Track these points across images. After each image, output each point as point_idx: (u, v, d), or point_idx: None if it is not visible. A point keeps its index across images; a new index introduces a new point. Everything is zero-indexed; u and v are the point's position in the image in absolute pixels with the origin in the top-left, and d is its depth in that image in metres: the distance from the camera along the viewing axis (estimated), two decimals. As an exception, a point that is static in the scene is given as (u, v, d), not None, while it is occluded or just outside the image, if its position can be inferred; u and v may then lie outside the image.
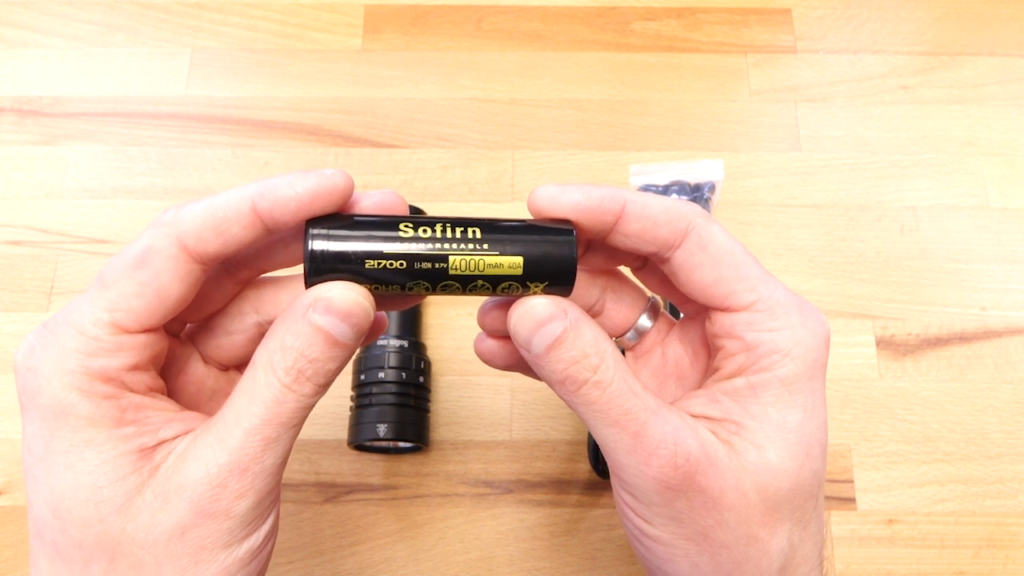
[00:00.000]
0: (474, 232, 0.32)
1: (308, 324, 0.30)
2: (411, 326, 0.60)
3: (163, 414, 0.32)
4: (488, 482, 0.59)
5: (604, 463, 0.56)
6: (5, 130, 0.68)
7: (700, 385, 0.37)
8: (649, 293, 0.40)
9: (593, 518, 0.58)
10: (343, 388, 0.59)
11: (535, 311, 0.32)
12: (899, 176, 0.68)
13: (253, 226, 0.31)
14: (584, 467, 0.59)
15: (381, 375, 0.56)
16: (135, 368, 0.31)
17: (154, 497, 0.30)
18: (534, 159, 0.68)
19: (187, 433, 0.32)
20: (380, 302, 0.33)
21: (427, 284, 0.32)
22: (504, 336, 0.38)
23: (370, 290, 0.31)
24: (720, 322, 0.34)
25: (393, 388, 0.56)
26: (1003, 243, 0.65)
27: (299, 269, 0.33)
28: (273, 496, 0.32)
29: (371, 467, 0.59)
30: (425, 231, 0.31)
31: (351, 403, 0.57)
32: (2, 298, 0.63)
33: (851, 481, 0.59)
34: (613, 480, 0.35)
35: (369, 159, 0.68)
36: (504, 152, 0.68)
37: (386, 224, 0.31)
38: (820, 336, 0.34)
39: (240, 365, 0.38)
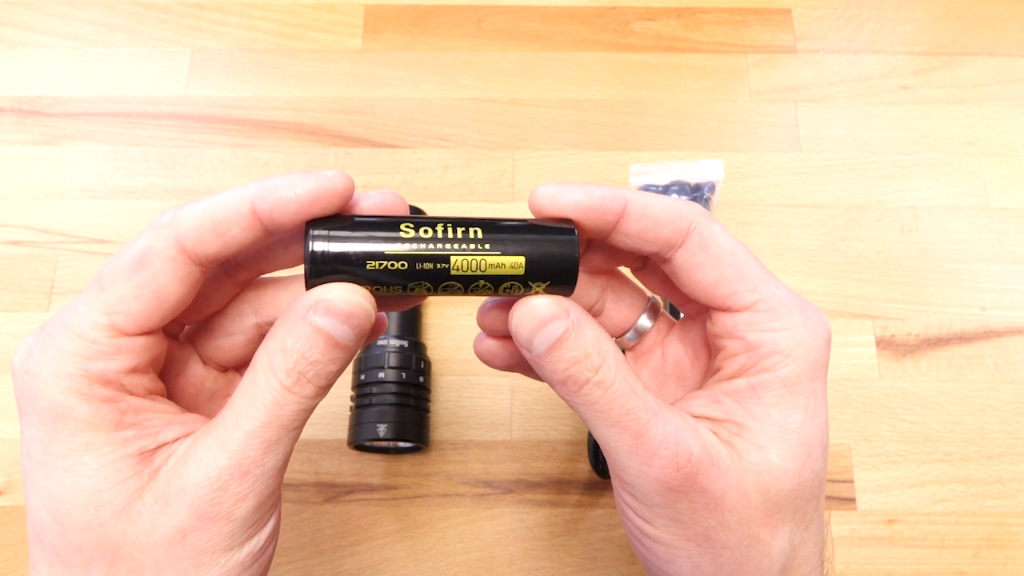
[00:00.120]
0: (475, 232, 0.32)
1: (309, 326, 0.30)
2: (411, 326, 0.60)
3: (163, 416, 0.32)
4: (488, 482, 0.59)
5: (604, 463, 0.56)
6: (5, 130, 0.68)
7: (700, 386, 0.37)
8: (649, 293, 0.40)
9: (593, 518, 0.58)
10: (343, 388, 0.59)
11: (537, 311, 0.32)
12: (899, 176, 0.68)
13: (252, 227, 0.31)
14: (584, 467, 0.59)
15: (381, 375, 0.56)
16: (134, 371, 0.31)
17: (154, 500, 0.30)
18: (534, 159, 0.68)
19: (187, 435, 0.32)
20: (381, 303, 0.33)
21: (428, 285, 0.32)
22: (504, 336, 0.38)
23: (371, 291, 0.31)
24: (721, 322, 0.34)
25: (393, 388, 0.56)
26: (1003, 243, 0.65)
27: (299, 270, 0.33)
28: (274, 499, 0.32)
29: (371, 467, 0.59)
30: (426, 231, 0.31)
31: (351, 403, 0.57)
32: (2, 298, 0.63)
33: (851, 481, 0.59)
34: (614, 481, 0.35)
35: (369, 159, 0.68)
36: (504, 152, 0.68)
37: (387, 225, 0.31)
38: (821, 336, 0.34)
39: (240, 366, 0.38)
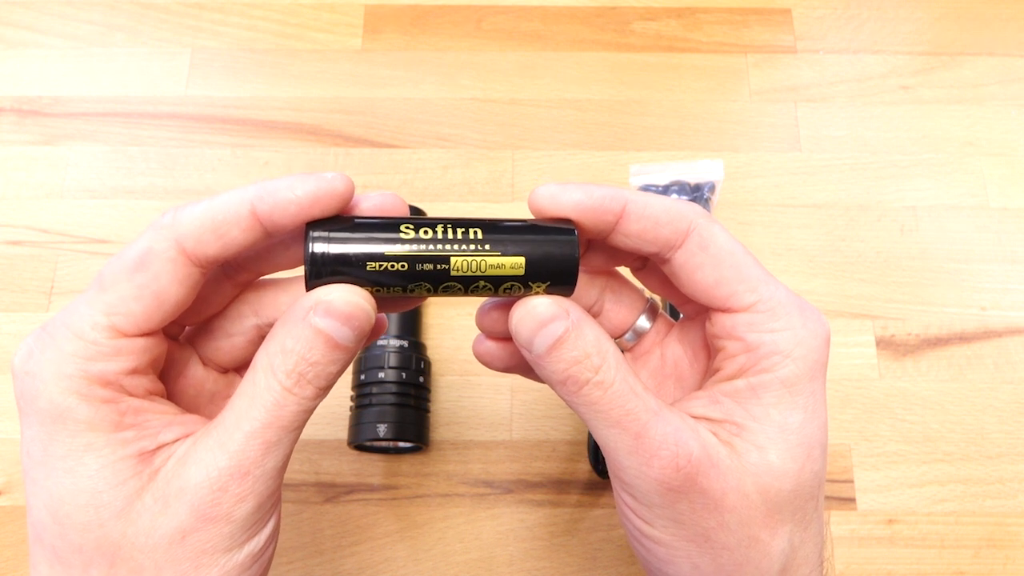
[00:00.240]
0: (475, 232, 0.32)
1: (309, 327, 0.30)
2: (411, 326, 0.60)
3: (163, 417, 0.32)
4: (488, 482, 0.59)
5: (604, 463, 0.56)
6: (5, 130, 0.68)
7: (699, 386, 0.37)
8: (648, 294, 0.40)
9: (593, 518, 0.58)
10: (343, 388, 0.59)
11: (537, 311, 0.32)
12: (899, 176, 0.68)
13: (252, 229, 0.31)
14: (584, 467, 0.59)
15: (381, 375, 0.56)
16: (134, 372, 0.31)
17: (154, 501, 0.30)
18: (534, 159, 0.68)
19: (187, 436, 0.32)
20: (381, 304, 0.33)
21: (429, 285, 0.32)
22: (503, 337, 0.38)
23: (371, 292, 0.31)
24: (721, 323, 0.34)
25: (393, 388, 0.56)
26: (1003, 243, 0.65)
27: (299, 271, 0.33)
28: (274, 499, 0.32)
29: (371, 467, 0.59)
30: (426, 232, 0.31)
31: (351, 403, 0.57)
32: (2, 298, 0.63)
33: (851, 481, 0.59)
34: (614, 481, 0.35)
35: (369, 159, 0.68)
36: (504, 152, 0.68)
37: (387, 226, 0.31)
38: (821, 337, 0.34)
39: (240, 368, 0.38)
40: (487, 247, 0.31)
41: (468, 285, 0.32)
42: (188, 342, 0.37)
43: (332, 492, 0.58)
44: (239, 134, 0.69)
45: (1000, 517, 0.58)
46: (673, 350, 0.39)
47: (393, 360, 0.56)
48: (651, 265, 0.38)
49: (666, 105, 0.70)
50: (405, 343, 0.58)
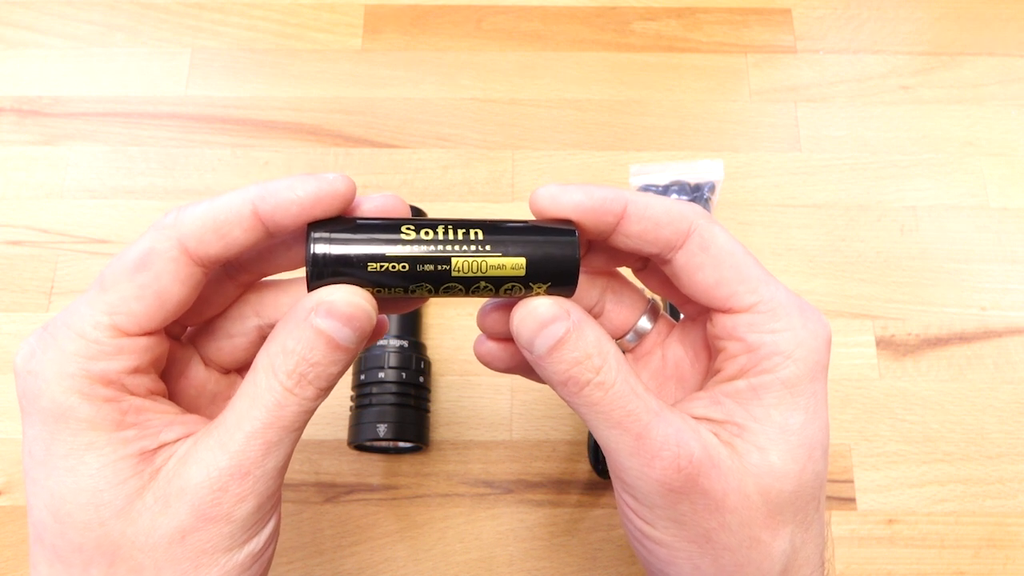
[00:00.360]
0: (476, 233, 0.32)
1: (310, 328, 0.30)
2: (411, 326, 0.60)
3: (164, 417, 0.32)
4: (488, 482, 0.59)
5: (604, 463, 0.56)
6: (5, 130, 0.68)
7: (700, 387, 0.37)
8: (649, 294, 0.40)
9: (593, 518, 0.58)
10: (343, 388, 0.59)
11: (538, 312, 0.32)
12: (899, 176, 0.68)
13: (254, 229, 0.31)
14: (584, 467, 0.59)
15: (381, 375, 0.56)
16: (136, 371, 0.31)
17: (154, 501, 0.30)
18: (534, 159, 0.68)
19: (188, 436, 0.32)
20: (382, 305, 0.33)
21: (430, 286, 0.32)
22: (504, 338, 0.38)
23: (372, 293, 0.31)
24: (721, 323, 0.34)
25: (393, 388, 0.56)
26: (1003, 243, 0.65)
27: (300, 272, 0.33)
28: (274, 500, 0.32)
29: (371, 467, 0.59)
30: (427, 233, 0.31)
31: (351, 403, 0.57)
32: (2, 298, 0.63)
33: (851, 481, 0.59)
34: (615, 482, 0.35)
35: (369, 159, 0.68)
36: (504, 152, 0.68)
37: (388, 227, 0.31)
38: (821, 338, 0.34)
39: (241, 368, 0.38)
40: (488, 248, 0.31)
41: (469, 286, 0.32)
42: (190, 342, 0.37)
43: (332, 492, 0.58)
44: (239, 134, 0.69)
45: (1000, 517, 0.58)
46: (674, 351, 0.39)
47: (393, 360, 0.56)
48: (652, 266, 0.38)
49: (666, 105, 0.70)
50: (405, 343, 0.58)
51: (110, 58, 0.71)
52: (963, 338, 0.62)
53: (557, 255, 0.32)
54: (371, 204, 0.33)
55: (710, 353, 0.37)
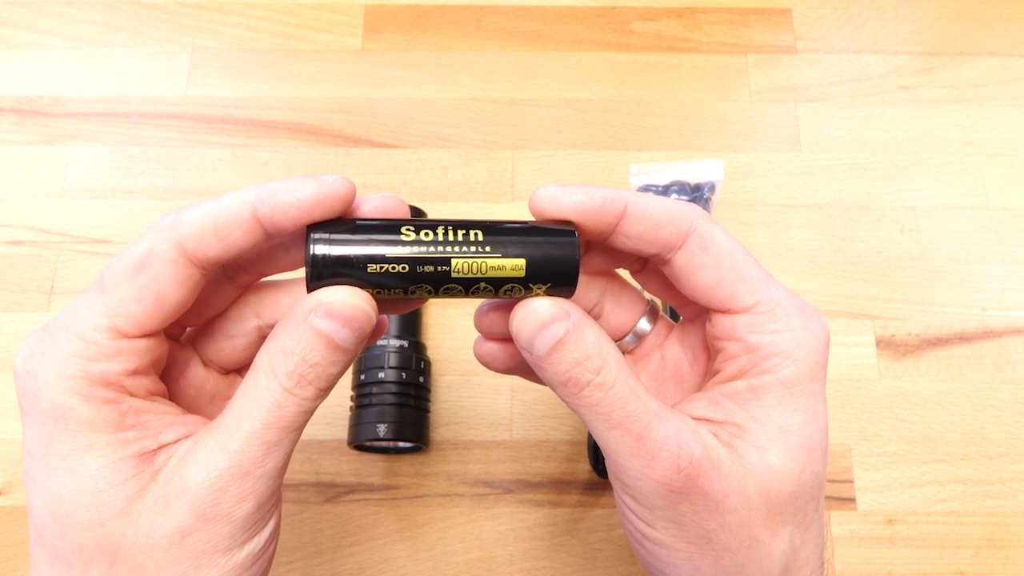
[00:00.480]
0: (476, 234, 0.32)
1: (309, 328, 0.30)
2: (411, 326, 0.60)
3: (164, 418, 0.32)
4: (488, 482, 0.59)
5: (604, 463, 0.56)
6: (5, 130, 0.68)
7: (699, 388, 0.37)
8: (648, 296, 0.40)
9: (593, 518, 0.58)
10: (343, 388, 0.59)
11: (537, 312, 0.32)
12: (899, 176, 0.68)
13: (253, 231, 0.31)
14: (584, 467, 0.59)
15: (381, 375, 0.56)
16: (135, 372, 0.31)
17: (154, 501, 0.30)
18: (534, 159, 0.68)
19: (188, 437, 0.32)
20: (382, 305, 0.33)
21: (429, 287, 0.32)
22: (502, 339, 0.38)
23: (372, 294, 0.31)
24: (721, 324, 0.34)
25: (393, 388, 0.56)
26: (1003, 243, 0.65)
27: (300, 273, 0.33)
28: (274, 500, 0.32)
29: (371, 467, 0.59)
30: (427, 234, 0.31)
31: (351, 403, 0.57)
32: (2, 298, 0.63)
33: (851, 481, 0.59)
34: (615, 484, 0.35)
35: (369, 159, 0.68)
36: (504, 152, 0.68)
37: (388, 228, 0.31)
38: (821, 338, 0.34)
39: (241, 369, 0.38)
40: (488, 249, 0.31)
41: (469, 287, 0.32)
42: (190, 343, 0.37)
43: (332, 492, 0.58)
44: (239, 134, 0.69)
45: (1000, 517, 0.58)
46: (673, 352, 0.39)
47: (393, 360, 0.56)
48: (650, 267, 0.38)
49: (666, 105, 0.70)
50: (405, 343, 0.58)
51: (110, 58, 0.71)
52: (963, 338, 0.62)
53: (557, 256, 0.32)
54: (371, 205, 0.33)
55: (709, 354, 0.37)
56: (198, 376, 0.37)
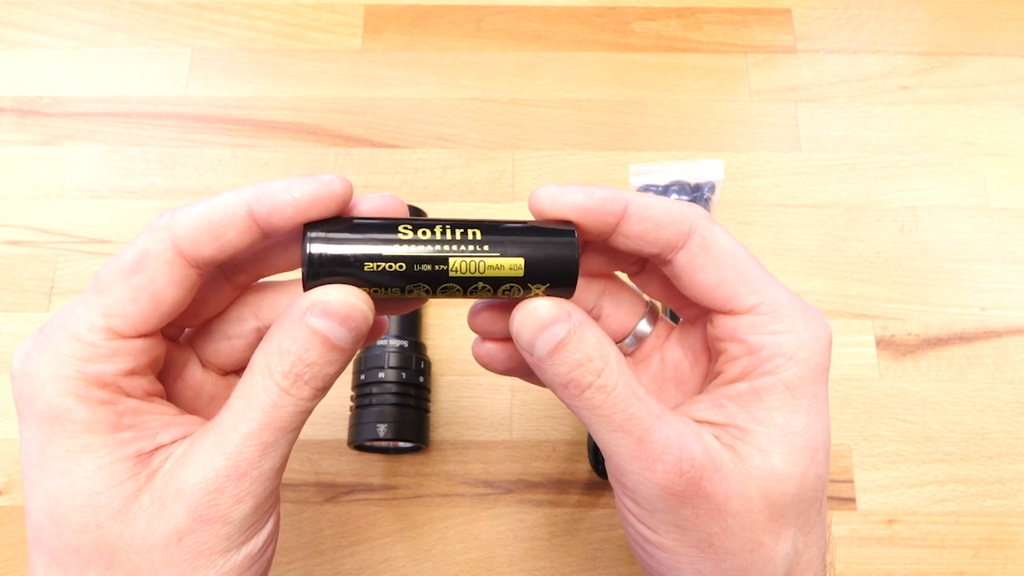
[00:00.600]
0: (474, 233, 0.31)
1: (306, 328, 0.30)
2: (411, 326, 0.60)
3: (161, 418, 0.32)
4: (488, 482, 0.59)
5: (604, 463, 0.56)
6: (5, 130, 0.68)
7: (700, 390, 0.37)
8: (647, 298, 0.40)
9: (593, 518, 0.58)
10: (343, 388, 0.59)
11: (538, 313, 0.32)
12: (899, 176, 0.67)
13: (249, 231, 0.31)
14: (584, 467, 0.59)
15: (381, 375, 0.56)
16: (132, 373, 0.31)
17: (151, 502, 0.30)
18: (534, 159, 0.68)
19: (185, 437, 0.32)
20: (379, 305, 0.32)
21: (427, 287, 0.31)
22: (496, 338, 0.38)
23: (369, 293, 0.31)
24: (722, 325, 0.34)
25: (393, 388, 0.56)
26: (1003, 243, 0.65)
27: (298, 273, 0.33)
28: (272, 500, 0.32)
29: (371, 467, 0.59)
30: (425, 233, 0.31)
31: (351, 403, 0.57)
32: (2, 298, 0.63)
33: (851, 481, 0.59)
34: (616, 487, 0.35)
35: (369, 159, 0.68)
36: (504, 152, 0.68)
37: (385, 226, 0.31)
38: (823, 339, 0.34)
39: (239, 370, 0.38)
40: (486, 248, 0.31)
41: (467, 286, 0.32)
42: (188, 344, 0.37)
43: (332, 492, 0.58)
44: (239, 134, 0.69)
45: (1000, 517, 0.58)
46: (673, 354, 0.39)
47: (393, 360, 0.56)
48: (649, 268, 0.38)
49: (666, 105, 0.70)
50: (405, 343, 0.58)
51: (110, 58, 0.71)
52: (963, 338, 0.62)
53: (556, 255, 0.32)
54: (368, 204, 0.33)
55: (710, 356, 0.37)
56: (196, 377, 0.36)
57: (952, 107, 0.70)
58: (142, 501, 0.30)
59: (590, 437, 0.58)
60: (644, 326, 0.39)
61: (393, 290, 0.31)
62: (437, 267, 0.31)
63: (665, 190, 0.62)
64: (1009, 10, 0.73)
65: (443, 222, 0.32)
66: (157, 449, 0.31)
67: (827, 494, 0.35)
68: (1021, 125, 0.69)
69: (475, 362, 0.39)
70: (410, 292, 0.32)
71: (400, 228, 0.31)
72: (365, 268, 0.31)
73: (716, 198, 0.63)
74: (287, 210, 0.31)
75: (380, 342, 0.57)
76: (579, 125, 0.69)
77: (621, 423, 0.32)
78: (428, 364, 0.59)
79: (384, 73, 0.71)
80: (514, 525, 0.57)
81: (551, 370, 0.32)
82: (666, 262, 0.34)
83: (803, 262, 0.65)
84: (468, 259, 0.31)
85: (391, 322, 0.59)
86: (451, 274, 0.31)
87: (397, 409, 0.56)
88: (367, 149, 0.68)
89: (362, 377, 0.57)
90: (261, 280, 0.37)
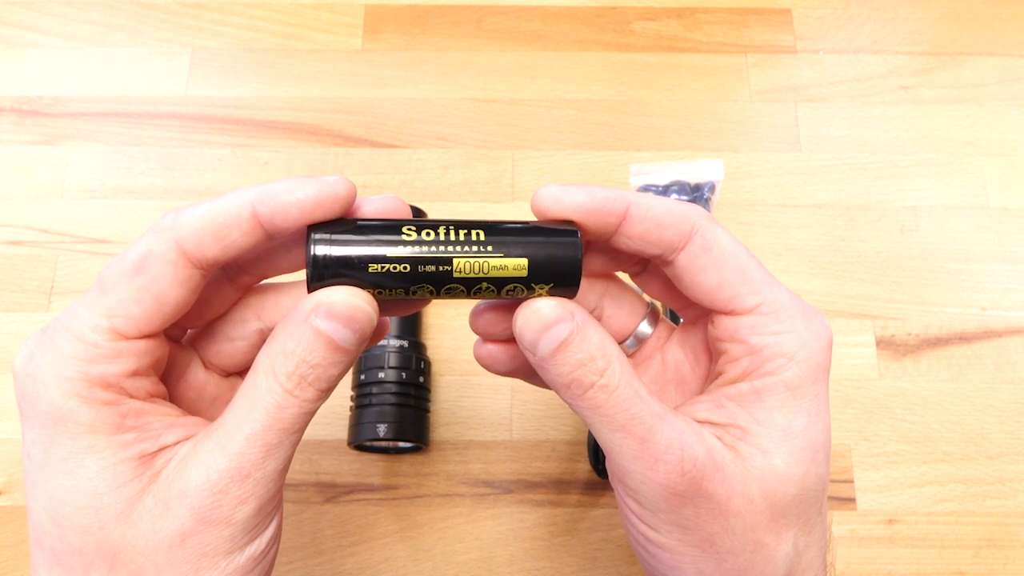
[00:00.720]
0: (478, 234, 0.31)
1: (310, 329, 0.30)
2: (411, 326, 0.60)
3: (164, 419, 0.32)
4: (488, 482, 0.59)
5: (604, 463, 0.55)
6: (5, 130, 0.68)
7: (700, 391, 0.37)
8: (647, 298, 0.40)
9: (593, 518, 0.58)
10: (343, 388, 0.58)
11: (541, 313, 0.32)
12: (899, 176, 0.68)
13: (253, 232, 0.31)
14: (584, 467, 0.59)
15: (381, 375, 0.56)
16: (135, 374, 0.31)
17: (154, 503, 0.30)
18: (534, 159, 0.68)
19: (188, 439, 0.32)
20: (383, 307, 0.32)
21: (431, 287, 0.31)
22: (498, 339, 0.38)
23: (373, 295, 0.31)
24: (724, 326, 0.34)
25: (393, 388, 0.56)
26: (1003, 243, 0.65)
27: (301, 275, 0.33)
28: (275, 502, 0.32)
29: (371, 467, 0.59)
30: (428, 234, 0.31)
31: (351, 403, 0.57)
32: (2, 298, 0.63)
33: (851, 481, 0.59)
34: (617, 487, 0.35)
35: (369, 159, 0.68)
36: (504, 152, 0.68)
37: (389, 228, 0.31)
38: (824, 340, 0.34)
39: (242, 372, 0.38)
40: (490, 248, 0.31)
41: (471, 287, 0.32)
42: (190, 345, 0.37)
43: (332, 492, 0.58)
44: (239, 134, 0.68)
45: (1000, 517, 0.58)
46: (674, 355, 0.39)
47: (393, 360, 0.56)
48: (651, 269, 0.38)
49: (666, 105, 0.70)
50: (405, 343, 0.58)
51: (110, 58, 0.71)
52: (963, 338, 0.62)
53: (559, 256, 0.32)
54: (372, 206, 0.33)
55: (710, 356, 0.37)
56: (199, 378, 0.36)
57: (952, 107, 0.70)
58: (145, 502, 0.30)
59: (590, 437, 0.58)
60: (645, 327, 0.39)
61: (397, 291, 0.31)
62: (441, 268, 0.31)
63: (665, 190, 0.62)
64: (1009, 10, 0.73)
65: (447, 223, 0.32)
66: (160, 450, 0.31)
67: (827, 495, 0.36)
68: (1021, 125, 0.69)
69: (475, 362, 0.39)
70: (414, 293, 0.32)
71: (404, 229, 0.31)
72: (369, 269, 0.31)
73: (716, 198, 0.63)
74: (291, 211, 0.31)
75: (380, 342, 0.57)
76: (579, 125, 0.69)
77: (623, 423, 0.32)
78: (428, 364, 0.59)
79: (384, 73, 0.71)
80: (514, 525, 0.58)
81: (554, 370, 0.32)
82: (667, 263, 0.34)
83: (803, 262, 0.65)
84: (472, 260, 0.31)
85: (391, 322, 0.59)
86: (455, 275, 0.31)
87: (397, 409, 0.56)
88: (367, 149, 0.68)
89: (362, 377, 0.57)
90: (264, 282, 0.37)
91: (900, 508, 0.58)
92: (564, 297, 0.33)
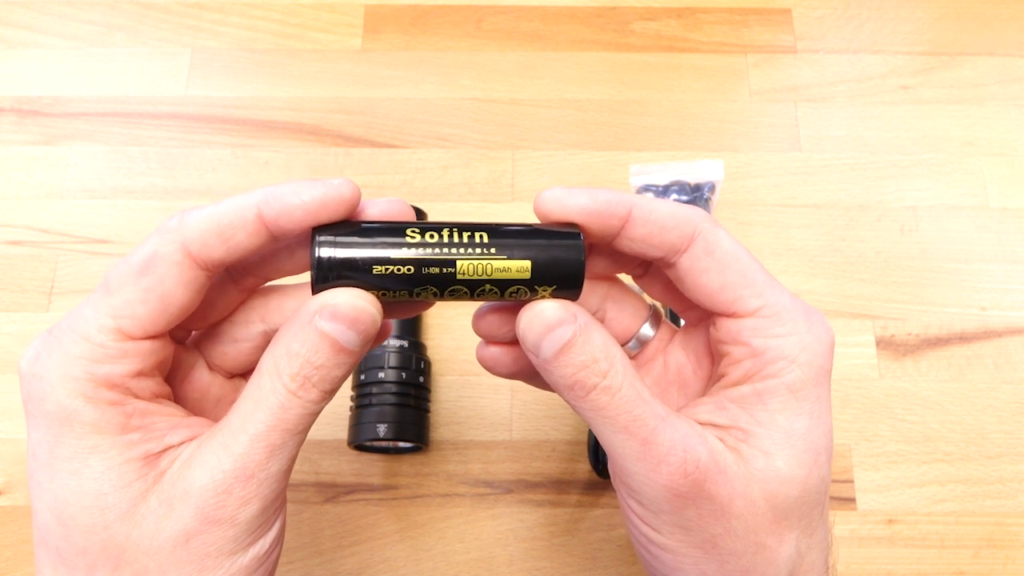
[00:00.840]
0: (481, 236, 0.32)
1: (314, 330, 0.30)
2: (411, 326, 0.60)
3: (169, 420, 0.32)
4: (488, 482, 0.59)
5: (604, 463, 0.56)
6: (5, 130, 0.68)
7: (703, 393, 0.37)
8: (650, 301, 0.40)
9: (593, 518, 0.58)
10: (343, 388, 0.58)
11: (544, 315, 0.32)
12: (899, 176, 0.68)
13: (258, 233, 0.31)
14: (584, 467, 0.59)
15: (381, 375, 0.56)
16: (140, 374, 0.31)
17: (159, 504, 0.30)
18: (534, 159, 0.68)
19: (193, 439, 0.32)
20: (387, 309, 0.33)
21: (435, 289, 0.32)
22: (500, 342, 0.38)
23: (377, 296, 0.31)
24: (726, 328, 0.34)
25: (393, 388, 0.56)
26: (1003, 243, 0.65)
27: (306, 277, 0.33)
28: (279, 503, 0.32)
29: (371, 467, 0.59)
30: (432, 236, 0.31)
31: (351, 403, 0.57)
32: (2, 298, 0.63)
33: (851, 481, 0.59)
34: (620, 488, 0.35)
35: (369, 159, 0.68)
36: (504, 152, 0.68)
37: (393, 230, 0.31)
38: (826, 342, 0.34)
39: (246, 373, 0.38)
40: (493, 250, 0.31)
41: (474, 289, 0.32)
42: (195, 347, 0.37)
43: (332, 492, 0.58)
44: (239, 134, 0.68)
45: (1000, 517, 0.58)
46: (676, 357, 0.39)
47: (393, 360, 0.56)
48: (653, 271, 0.38)
49: (666, 105, 0.70)
50: (405, 343, 0.58)
51: (110, 58, 0.71)
52: (963, 338, 0.63)
53: (563, 258, 0.32)
54: (375, 208, 0.33)
55: (712, 359, 0.37)
56: (203, 380, 0.36)
57: (952, 107, 0.70)
58: (150, 502, 0.30)
59: (590, 437, 0.58)
60: (647, 329, 0.39)
61: (401, 293, 0.31)
62: (445, 270, 0.31)
63: (665, 190, 0.62)
64: (1009, 10, 0.73)
65: (450, 225, 0.32)
66: (165, 450, 0.31)
67: (829, 497, 0.36)
68: (1021, 125, 0.69)
69: (475, 362, 0.39)
70: (418, 295, 0.32)
71: (408, 231, 0.31)
72: (373, 271, 0.31)
73: (716, 198, 0.63)
74: (296, 213, 0.31)
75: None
76: (579, 125, 0.69)
77: (626, 424, 0.32)
78: (428, 364, 0.59)
79: (384, 73, 0.71)
80: (514, 525, 0.58)
81: (557, 371, 0.32)
82: (670, 265, 0.35)
83: (803, 262, 0.65)
84: (475, 262, 0.31)
85: (391, 322, 0.58)
86: (459, 276, 0.31)
87: (397, 409, 0.56)
88: (367, 149, 0.68)
89: (362, 377, 0.57)
90: (268, 284, 0.37)
91: (900, 508, 0.58)
92: (567, 299, 0.33)
